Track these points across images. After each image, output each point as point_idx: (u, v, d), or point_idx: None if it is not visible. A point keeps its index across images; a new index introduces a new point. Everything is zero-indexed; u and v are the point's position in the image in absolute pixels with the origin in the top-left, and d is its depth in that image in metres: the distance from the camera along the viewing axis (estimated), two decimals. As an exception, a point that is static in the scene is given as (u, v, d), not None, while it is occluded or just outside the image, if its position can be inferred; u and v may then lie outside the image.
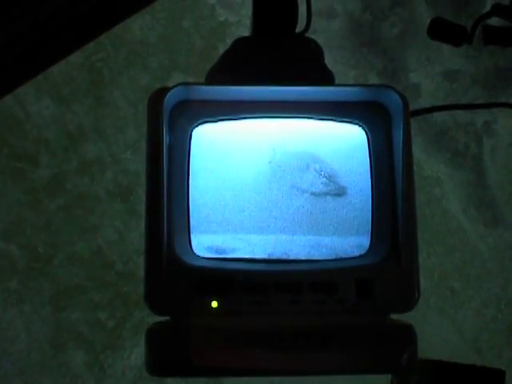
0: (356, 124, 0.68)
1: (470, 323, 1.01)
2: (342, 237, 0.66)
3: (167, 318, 0.64)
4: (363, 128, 0.68)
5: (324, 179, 0.67)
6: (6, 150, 0.97)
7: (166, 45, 1.01)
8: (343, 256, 0.65)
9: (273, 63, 0.72)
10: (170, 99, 0.63)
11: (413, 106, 0.96)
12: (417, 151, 1.03)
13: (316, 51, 0.78)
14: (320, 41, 1.03)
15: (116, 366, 0.93)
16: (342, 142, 0.69)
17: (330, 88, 0.67)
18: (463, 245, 1.02)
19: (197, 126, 0.66)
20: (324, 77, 0.74)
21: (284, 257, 0.65)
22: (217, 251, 0.65)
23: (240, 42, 0.75)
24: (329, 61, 1.04)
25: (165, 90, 0.63)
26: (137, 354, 0.93)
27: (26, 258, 0.95)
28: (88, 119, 0.98)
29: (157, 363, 0.62)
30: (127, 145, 0.97)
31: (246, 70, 0.71)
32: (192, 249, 0.65)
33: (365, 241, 0.66)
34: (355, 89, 0.67)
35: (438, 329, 1.00)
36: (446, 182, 1.03)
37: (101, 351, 0.94)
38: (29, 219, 0.95)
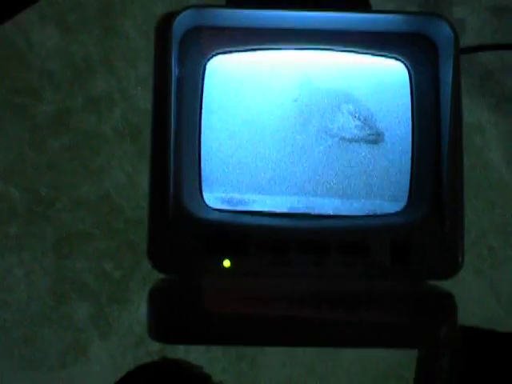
0: (397, 58, 0.58)
1: (509, 286, 0.93)
2: (377, 191, 0.57)
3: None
4: (405, 63, 0.58)
5: (358, 122, 0.58)
6: (6, 83, 0.88)
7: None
8: (377, 213, 0.57)
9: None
10: (179, 25, 0.54)
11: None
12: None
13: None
14: (355, -32, 0.92)
15: (122, 320, 0.86)
16: (380, 79, 0.59)
17: (368, 15, 0.57)
18: (505, 200, 0.93)
19: (211, 57, 0.57)
20: (360, 3, 0.64)
21: (308, 211, 0.57)
22: (231, 203, 0.57)
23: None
24: (364, -9, 0.94)
25: (174, 15, 0.54)
26: (145, 308, 0.85)
27: (26, 201, 0.87)
28: (96, 51, 0.89)
29: (162, 328, 0.55)
30: (138, 80, 0.88)
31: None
32: (203, 199, 0.56)
33: (403, 196, 0.57)
34: (397, 17, 0.57)
35: (474, 291, 0.92)
36: (489, 130, 0.93)
37: (106, 304, 0.87)
38: (30, 159, 0.88)
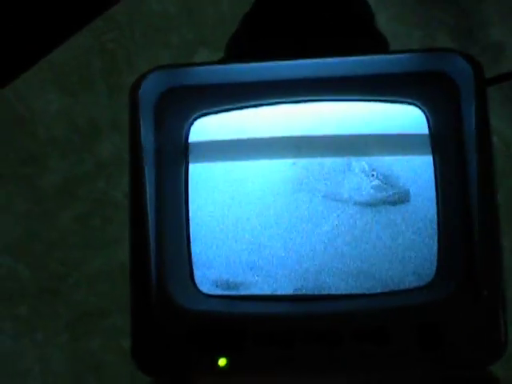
0: (412, 103, 0.50)
1: None
2: (398, 263, 0.48)
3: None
4: (422, 109, 0.50)
5: (377, 182, 0.50)
6: (9, 154, 0.83)
7: (189, 16, 0.85)
8: (398, 289, 0.48)
9: (302, 28, 0.55)
10: (148, 88, 0.47)
11: (495, 70, 0.76)
12: (503, 127, 0.83)
13: (362, 9, 0.60)
14: (374, -3, 0.84)
15: (146, 402, 0.79)
16: (395, 129, 0.51)
17: (373, 57, 0.49)
18: None
19: (194, 119, 0.50)
20: (373, 43, 0.56)
21: (316, 292, 0.48)
22: (226, 287, 0.49)
23: (261, 2, 0.58)
24: (386, 21, 0.85)
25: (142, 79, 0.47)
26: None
27: (36, 278, 0.81)
28: (101, 112, 0.83)
29: None
30: (147, 139, 0.81)
31: (269, 39, 0.54)
32: (194, 284, 0.49)
33: (429, 268, 0.48)
34: (407, 56, 0.49)
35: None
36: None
37: (128, 385, 0.80)
38: (39, 233, 0.82)
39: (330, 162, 0.50)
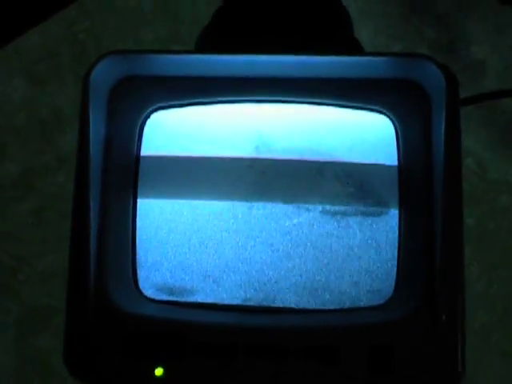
0: (380, 112, 0.47)
1: (543, 370, 0.79)
2: (355, 278, 0.45)
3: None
4: (390, 118, 0.47)
5: (352, 189, 0.47)
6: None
7: (163, 12, 0.82)
8: (353, 306, 0.45)
9: (273, 26, 0.52)
10: (101, 76, 0.44)
11: (475, 89, 0.74)
12: (479, 148, 0.81)
13: (338, 13, 0.57)
14: (357, 5, 0.82)
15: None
16: (363, 137, 0.48)
17: (342, 59, 0.47)
18: (537, 269, 0.80)
19: (150, 113, 0.47)
20: (346, 47, 0.54)
21: (264, 304, 0.45)
22: (171, 292, 0.46)
23: (234, -1, 0.56)
24: (368, 32, 0.83)
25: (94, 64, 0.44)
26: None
27: (-15, 272, 0.78)
28: (67, 103, 0.80)
29: None
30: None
31: (238, 35, 0.52)
32: (136, 287, 0.46)
33: (387, 287, 0.45)
34: (379, 60, 0.46)
35: (502, 377, 0.78)
36: (516, 187, 0.81)
37: (74, 389, 0.76)
38: (-9, 225, 0.78)
39: (294, 166, 0.47)
